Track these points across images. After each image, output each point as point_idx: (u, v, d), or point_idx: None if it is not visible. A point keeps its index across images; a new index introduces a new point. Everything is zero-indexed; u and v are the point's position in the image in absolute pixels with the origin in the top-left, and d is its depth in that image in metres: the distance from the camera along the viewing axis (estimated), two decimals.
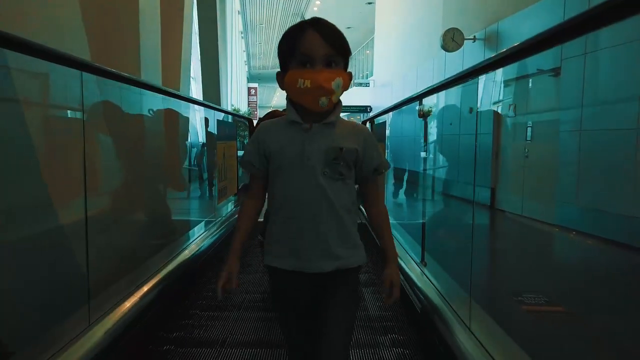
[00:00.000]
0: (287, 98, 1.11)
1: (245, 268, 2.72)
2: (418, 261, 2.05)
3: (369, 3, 17.05)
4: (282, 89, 1.09)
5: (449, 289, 1.67)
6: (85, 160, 1.54)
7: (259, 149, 1.11)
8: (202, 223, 3.16)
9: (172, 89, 3.97)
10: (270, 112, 3.24)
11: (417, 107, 2.28)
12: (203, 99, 7.69)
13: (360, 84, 17.07)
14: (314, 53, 1.01)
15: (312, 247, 1.05)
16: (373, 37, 16.93)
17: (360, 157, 1.09)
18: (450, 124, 3.69)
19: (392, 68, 13.31)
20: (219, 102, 8.14)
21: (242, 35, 21.93)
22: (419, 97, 2.02)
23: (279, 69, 1.12)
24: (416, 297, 1.76)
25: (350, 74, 1.10)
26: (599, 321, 2.08)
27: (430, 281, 1.79)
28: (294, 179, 1.06)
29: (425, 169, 2.31)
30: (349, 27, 22.19)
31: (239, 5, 17.87)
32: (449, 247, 2.16)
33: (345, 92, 1.16)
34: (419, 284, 1.82)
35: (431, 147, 2.63)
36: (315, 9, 18.97)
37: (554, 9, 5.23)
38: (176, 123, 3.12)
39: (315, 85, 0.99)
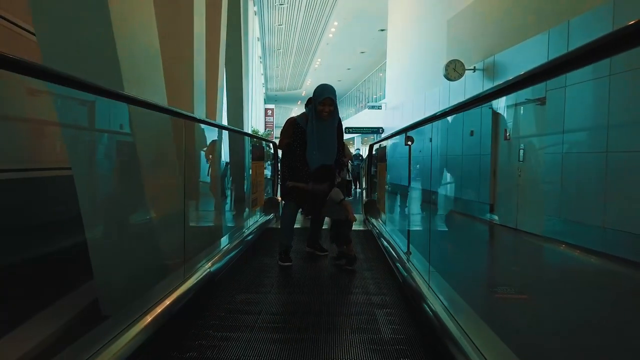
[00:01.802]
0: None
1: (258, 288, 2.70)
2: (405, 251, 2.75)
3: (382, 30, 17.96)
4: None
5: (422, 266, 2.37)
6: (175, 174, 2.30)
7: None
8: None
9: (212, 119, 4.78)
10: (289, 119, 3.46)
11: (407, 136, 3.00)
12: (228, 122, 8.51)
13: (372, 107, 17.85)
14: None
15: None
16: (385, 62, 17.77)
17: None
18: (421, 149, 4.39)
19: (402, 92, 14.06)
20: (241, 125, 8.88)
21: (261, 59, 23.04)
22: (405, 130, 2.74)
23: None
24: (399, 273, 2.45)
25: None
26: (542, 303, 2.73)
27: (411, 262, 2.49)
28: None
29: (410, 184, 3.00)
30: (362, 52, 23.17)
31: (259, 32, 18.98)
32: (427, 242, 2.85)
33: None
34: (401, 265, 2.52)
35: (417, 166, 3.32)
36: (331, 35, 19.99)
37: (540, 46, 5.95)
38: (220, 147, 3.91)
39: None
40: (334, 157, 3.31)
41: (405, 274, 2.37)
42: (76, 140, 2.35)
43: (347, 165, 4.92)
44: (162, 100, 2.75)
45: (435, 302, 1.82)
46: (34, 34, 2.07)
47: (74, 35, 2.02)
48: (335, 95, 3.19)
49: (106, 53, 2.08)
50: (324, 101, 3.13)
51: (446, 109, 2.15)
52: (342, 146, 3.44)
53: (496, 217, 6.69)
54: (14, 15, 2.02)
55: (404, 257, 2.67)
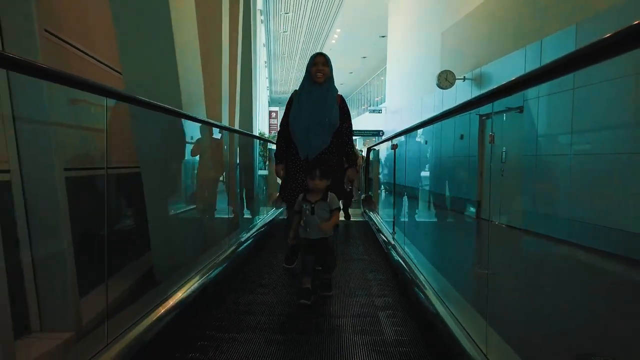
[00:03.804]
0: None
1: (261, 289, 2.73)
2: (390, 231, 3.54)
3: (382, 36, 18.73)
4: None
5: (402, 239, 3.16)
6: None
7: None
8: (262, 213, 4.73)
9: (232, 125, 5.57)
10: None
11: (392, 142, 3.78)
12: (239, 126, 9.29)
13: (373, 111, 18.63)
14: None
15: None
16: (386, 67, 18.51)
17: None
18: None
19: (401, 97, 14.82)
20: (251, 128, 9.58)
21: (266, 64, 23.83)
22: (391, 138, 3.52)
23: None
24: (385, 244, 3.24)
25: None
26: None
27: (395, 238, 3.28)
28: None
29: (395, 182, 3.78)
30: (364, 57, 23.96)
31: (265, 39, 19.79)
32: (409, 224, 3.63)
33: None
34: (387, 239, 3.31)
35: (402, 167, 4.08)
36: (333, 41, 20.78)
37: (519, 60, 6.73)
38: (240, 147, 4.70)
39: None
40: (330, 131, 2.76)
41: (389, 246, 3.17)
42: (144, 146, 3.14)
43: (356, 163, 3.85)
44: (203, 114, 3.55)
45: (408, 260, 2.61)
46: (119, 72, 2.87)
47: (149, 73, 2.82)
48: (329, 59, 2.81)
49: (171, 84, 2.87)
50: (315, 60, 2.75)
51: (415, 125, 2.92)
52: (348, 130, 2.85)
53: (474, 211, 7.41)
54: (107, 59, 2.82)
55: (390, 235, 3.46)
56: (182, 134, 3.23)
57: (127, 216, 3.28)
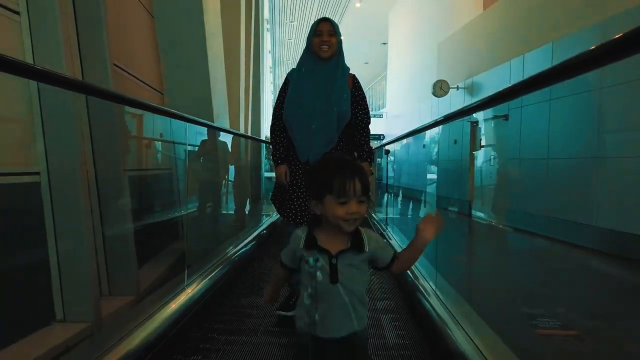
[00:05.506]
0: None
1: (262, 292, 2.81)
2: (384, 223, 4.22)
3: (383, 44, 19.40)
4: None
5: (392, 230, 3.83)
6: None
7: None
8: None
9: (245, 132, 6.25)
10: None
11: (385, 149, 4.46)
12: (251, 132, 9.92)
13: (374, 115, 19.28)
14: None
15: None
16: (387, 73, 19.16)
17: None
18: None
19: (401, 103, 15.47)
20: (259, 133, 10.25)
21: (271, 70, 24.54)
22: (385, 144, 4.19)
23: None
24: (380, 233, 3.93)
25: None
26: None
27: (388, 230, 3.95)
28: None
29: (387, 182, 4.44)
30: (366, 63, 24.58)
31: (270, 46, 20.51)
32: (398, 218, 4.30)
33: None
34: (381, 230, 3.98)
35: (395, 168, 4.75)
36: None
37: (504, 72, 7.38)
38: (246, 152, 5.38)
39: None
40: (339, 126, 2.10)
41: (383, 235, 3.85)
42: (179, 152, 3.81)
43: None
44: (227, 123, 4.23)
45: (395, 244, 3.28)
46: (161, 92, 3.56)
47: (187, 91, 3.50)
48: (337, 26, 2.19)
49: (205, 102, 3.55)
50: (319, 27, 2.14)
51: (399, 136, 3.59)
52: (365, 122, 2.20)
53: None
54: (151, 83, 3.52)
55: (384, 226, 4.14)
56: (211, 142, 3.91)
57: (166, 209, 3.96)
